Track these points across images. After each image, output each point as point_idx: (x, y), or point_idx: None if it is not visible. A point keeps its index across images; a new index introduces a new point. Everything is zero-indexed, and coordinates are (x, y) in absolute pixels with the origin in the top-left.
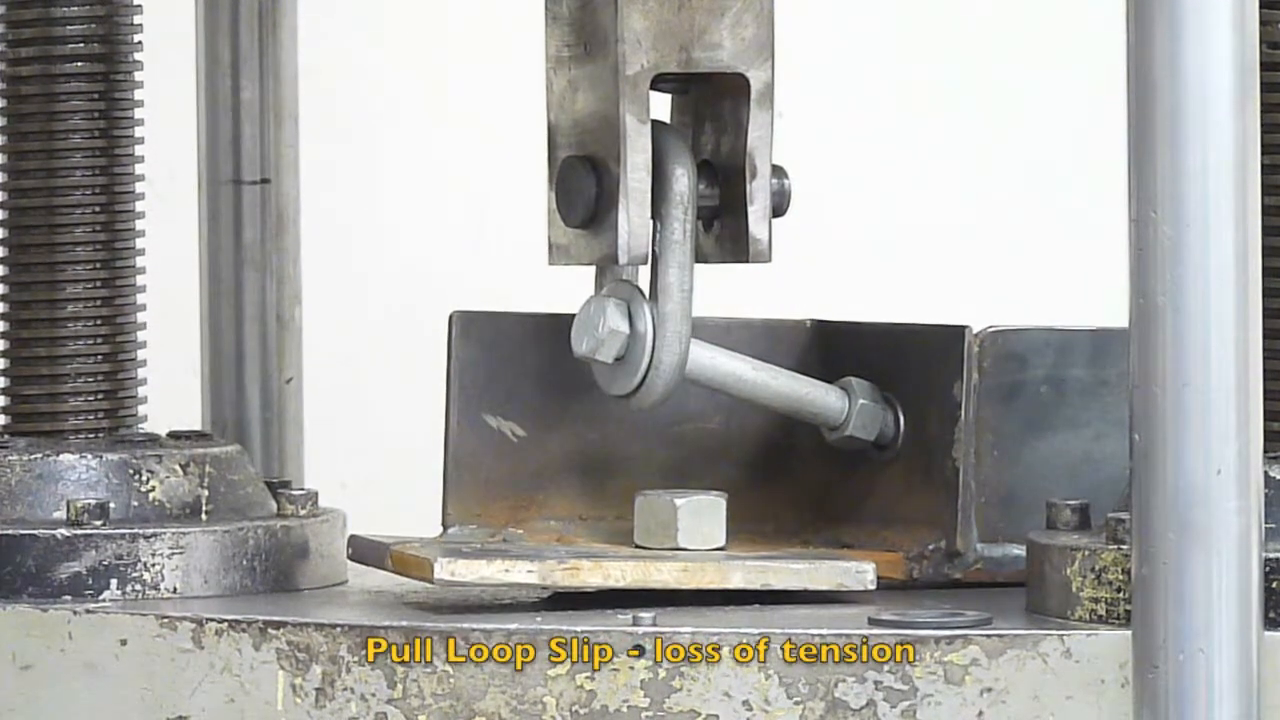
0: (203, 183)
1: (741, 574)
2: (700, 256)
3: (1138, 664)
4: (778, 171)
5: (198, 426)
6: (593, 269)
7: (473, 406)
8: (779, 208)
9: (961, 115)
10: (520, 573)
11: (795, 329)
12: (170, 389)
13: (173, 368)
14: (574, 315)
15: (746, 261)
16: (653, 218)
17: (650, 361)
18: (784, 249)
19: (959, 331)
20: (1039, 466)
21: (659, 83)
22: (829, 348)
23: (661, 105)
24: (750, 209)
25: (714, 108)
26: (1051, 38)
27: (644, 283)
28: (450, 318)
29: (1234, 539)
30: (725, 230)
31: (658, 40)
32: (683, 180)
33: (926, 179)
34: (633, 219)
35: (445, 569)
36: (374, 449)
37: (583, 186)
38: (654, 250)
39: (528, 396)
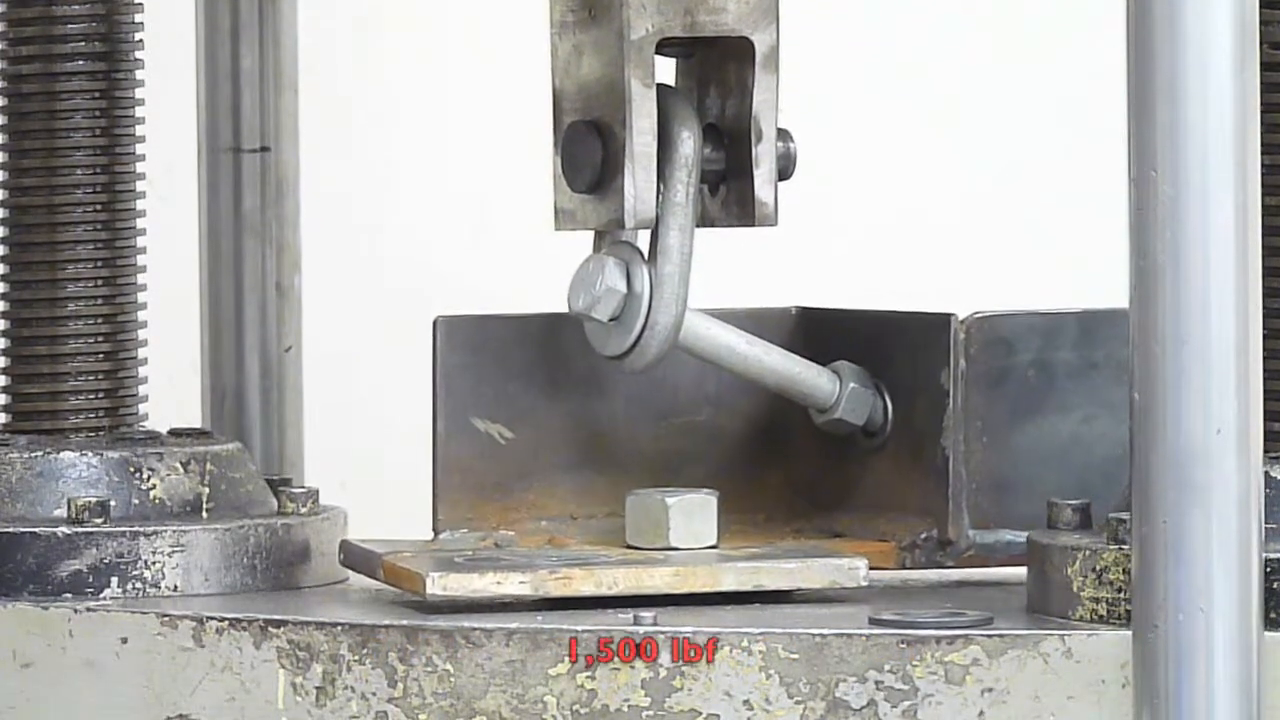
0: (202, 151)
1: (734, 576)
2: (707, 220)
3: (1137, 624)
4: (783, 135)
5: (198, 424)
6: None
7: (460, 411)
8: (785, 171)
9: (952, 106)
10: (513, 584)
11: (781, 316)
12: (171, 387)
13: (174, 366)
14: (560, 314)
15: (753, 225)
16: (657, 181)
17: (645, 322)
18: (775, 238)
19: (945, 319)
20: (1029, 451)
21: (664, 47)
22: (815, 335)
23: (666, 69)
24: (756, 172)
25: (719, 71)
26: (1044, 26)
27: (644, 246)
28: (434, 323)
29: (1234, 498)
30: (731, 194)
31: (662, 4)
32: (688, 143)
33: (912, 168)
34: (639, 183)
35: (437, 584)
36: (374, 446)
37: (588, 151)
38: (656, 212)
39: (515, 398)
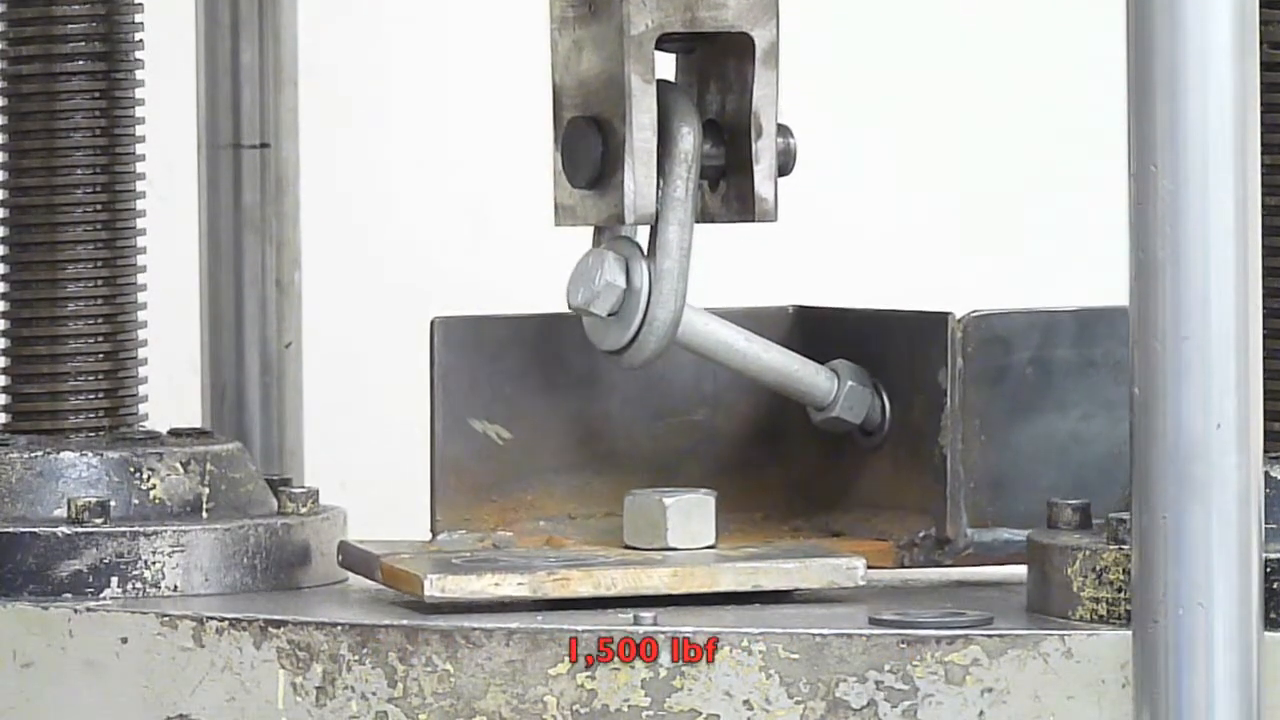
0: (202, 147)
1: (732, 576)
2: (707, 216)
3: (1137, 619)
4: (783, 131)
5: (198, 424)
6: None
7: (457, 411)
8: (785, 167)
9: (949, 102)
10: (510, 586)
11: (778, 315)
12: (171, 387)
13: (174, 365)
14: (558, 314)
15: (753, 220)
16: (657, 176)
17: (644, 317)
18: (771, 237)
19: (942, 317)
20: (1027, 449)
21: (664, 42)
22: (812, 334)
23: (667, 65)
24: (756, 168)
25: (719, 67)
26: (1044, 23)
27: (644, 242)
28: (431, 324)
29: (1234, 493)
30: (731, 190)
31: (662, 0)
32: (688, 139)
33: (907, 165)
34: (639, 178)
35: (435, 586)
36: (374, 446)
37: (588, 147)
38: (656, 208)
39: (512, 398)
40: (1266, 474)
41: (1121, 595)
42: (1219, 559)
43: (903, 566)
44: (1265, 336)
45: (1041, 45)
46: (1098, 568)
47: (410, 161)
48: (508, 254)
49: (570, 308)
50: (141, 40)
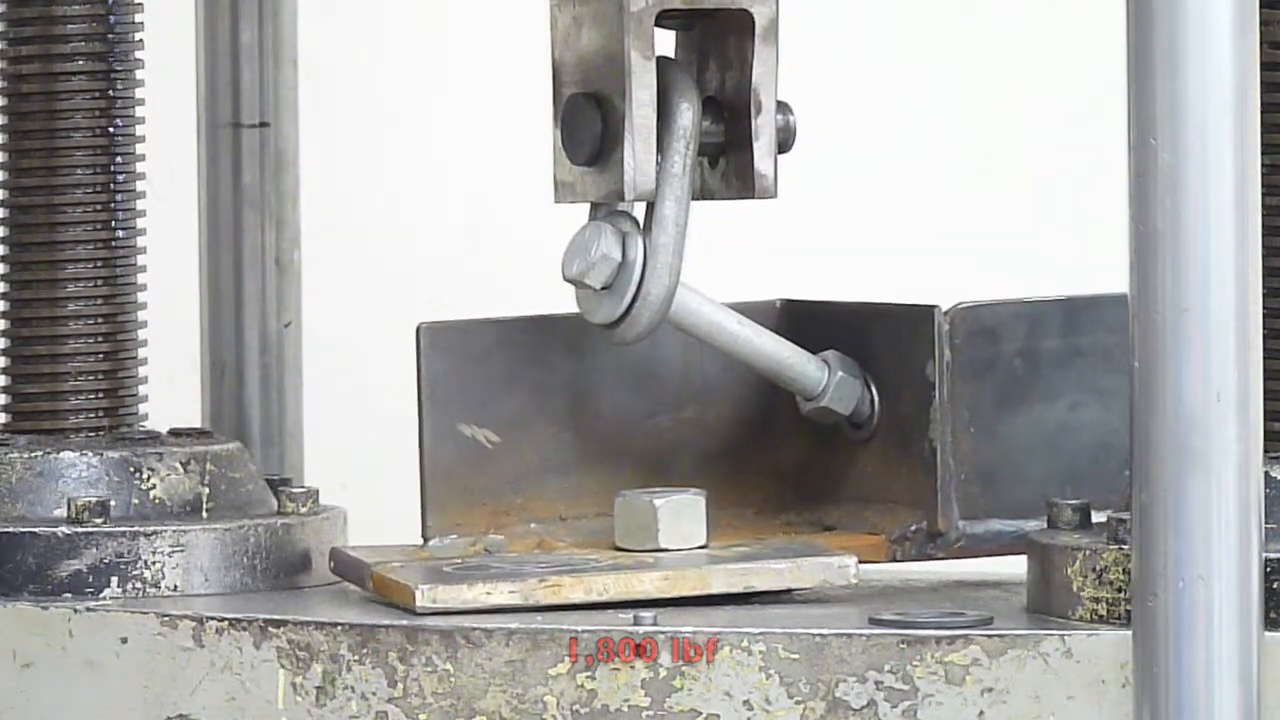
0: (202, 126)
1: (724, 578)
2: (707, 193)
3: (1137, 592)
4: (783, 107)
5: (198, 419)
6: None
7: (446, 417)
8: (784, 143)
9: (939, 98)
10: (502, 595)
11: (765, 309)
12: (171, 387)
13: (173, 365)
14: (543, 316)
15: (753, 197)
16: (656, 152)
17: (637, 291)
18: (761, 232)
19: (929, 310)
20: (1017, 440)
21: (664, 19)
22: (799, 328)
23: (666, 42)
24: (756, 144)
25: (719, 44)
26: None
27: (641, 216)
28: (417, 330)
29: (1233, 465)
30: (731, 166)
31: None
32: (687, 114)
33: (897, 159)
34: (639, 155)
35: (427, 596)
36: (374, 446)
37: (588, 123)
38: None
39: (500, 402)
40: (1266, 474)
41: (1121, 595)
42: (1219, 532)
43: (895, 560)
44: (1266, 337)
45: (1038, 40)
46: (1098, 568)
47: (407, 150)
48: (507, 240)
49: (565, 279)
50: (141, 40)
